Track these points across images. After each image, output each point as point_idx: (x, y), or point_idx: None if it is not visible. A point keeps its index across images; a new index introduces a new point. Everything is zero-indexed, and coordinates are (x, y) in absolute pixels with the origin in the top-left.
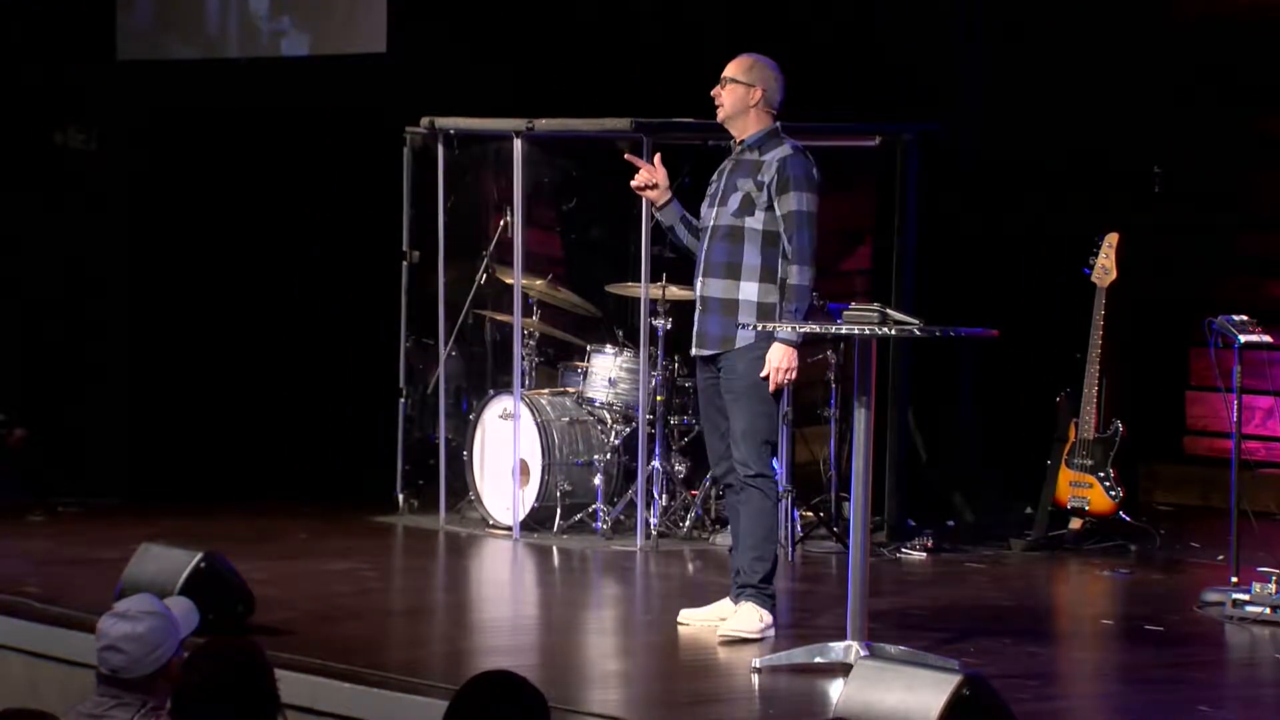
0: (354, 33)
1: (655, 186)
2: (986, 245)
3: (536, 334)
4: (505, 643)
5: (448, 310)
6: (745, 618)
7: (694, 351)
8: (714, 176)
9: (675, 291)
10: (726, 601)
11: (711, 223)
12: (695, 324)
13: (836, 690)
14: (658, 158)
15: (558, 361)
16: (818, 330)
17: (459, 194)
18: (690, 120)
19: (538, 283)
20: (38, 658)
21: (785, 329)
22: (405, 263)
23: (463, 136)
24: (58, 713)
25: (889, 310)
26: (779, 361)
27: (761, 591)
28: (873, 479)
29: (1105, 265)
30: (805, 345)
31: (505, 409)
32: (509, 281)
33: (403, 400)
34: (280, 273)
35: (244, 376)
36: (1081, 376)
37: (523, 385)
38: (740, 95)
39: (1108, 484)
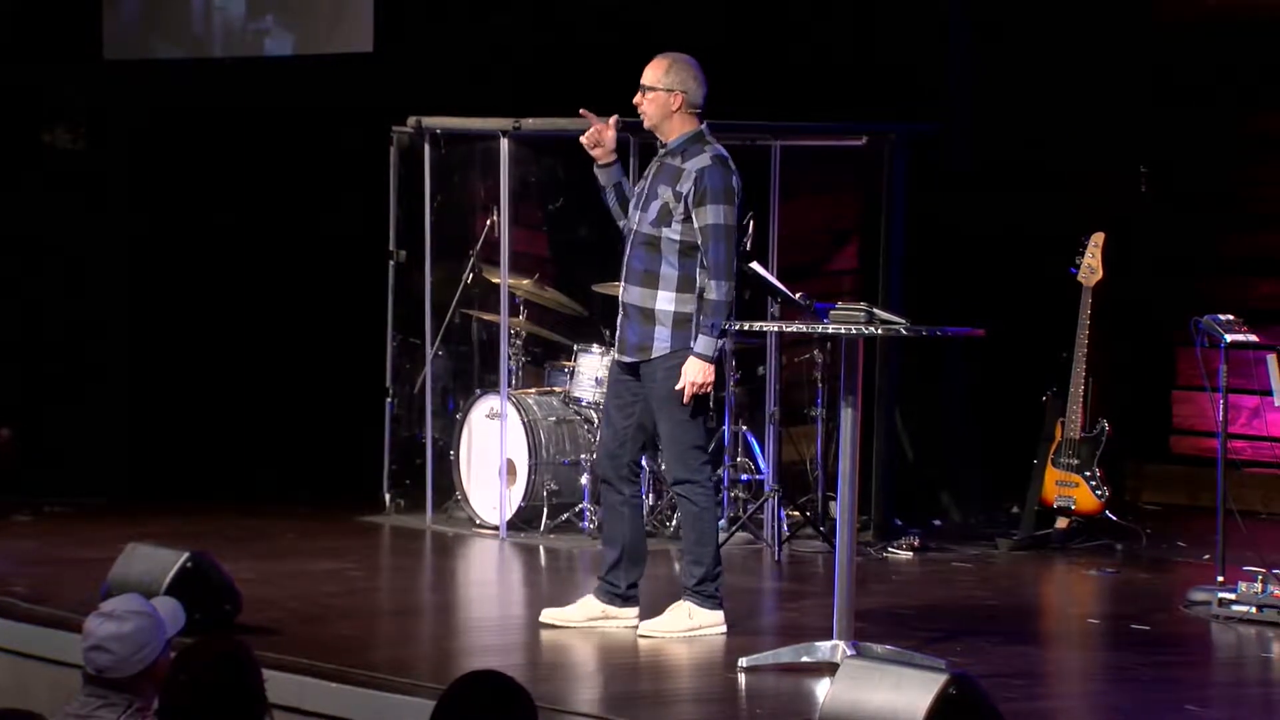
0: (340, 32)
1: (601, 145)
2: (973, 245)
3: (523, 333)
4: (492, 642)
5: (434, 310)
6: (671, 618)
7: (614, 356)
8: (644, 175)
9: None
10: (590, 599)
11: (634, 227)
12: (618, 328)
13: (823, 690)
14: (613, 118)
15: (544, 361)
16: (804, 330)
17: (446, 193)
18: None
19: (524, 282)
20: (25, 658)
21: (702, 343)
22: (392, 262)
23: (449, 136)
24: (46, 713)
25: (876, 310)
26: (694, 375)
27: (700, 593)
28: (859, 478)
29: (1091, 265)
30: (792, 345)
31: (492, 408)
32: (495, 281)
33: (389, 400)
34: (267, 272)
35: (230, 377)
36: (1068, 376)
37: (509, 384)
38: (662, 102)
39: (1094, 483)
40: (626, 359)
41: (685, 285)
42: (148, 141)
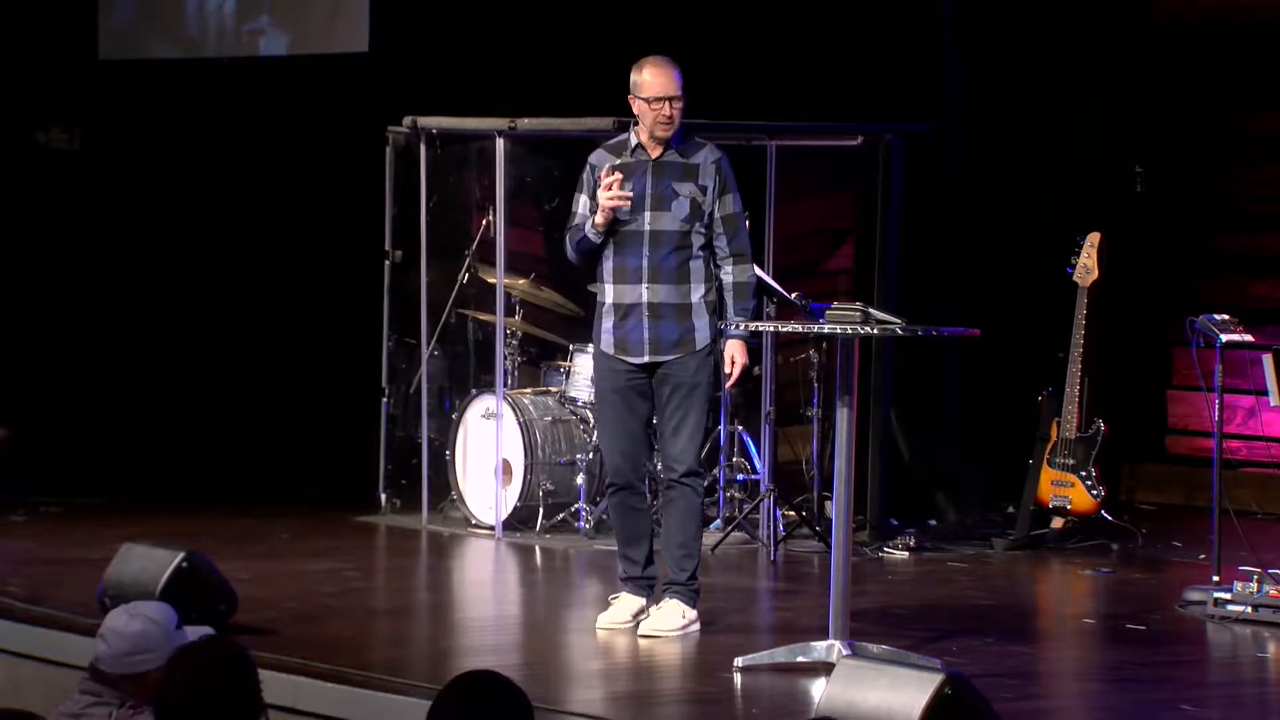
0: (336, 32)
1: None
2: (969, 245)
3: (519, 333)
4: (488, 642)
5: (430, 310)
6: (668, 615)
7: (644, 358)
8: (629, 177)
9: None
10: (632, 596)
11: (648, 227)
12: (642, 330)
13: (819, 689)
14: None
15: (540, 361)
16: (800, 329)
17: (441, 193)
18: None
19: (520, 282)
20: (20, 657)
21: (741, 326)
22: (387, 262)
23: (445, 136)
24: (40, 713)
25: (871, 310)
26: (742, 356)
27: (689, 588)
28: (855, 478)
29: (1087, 264)
30: (788, 344)
31: (488, 408)
32: (491, 281)
33: (385, 400)
34: (263, 272)
35: (227, 377)
36: (1063, 376)
37: (505, 384)
38: (683, 106)
39: (1090, 483)
40: (663, 357)
41: (709, 276)
42: (144, 142)
